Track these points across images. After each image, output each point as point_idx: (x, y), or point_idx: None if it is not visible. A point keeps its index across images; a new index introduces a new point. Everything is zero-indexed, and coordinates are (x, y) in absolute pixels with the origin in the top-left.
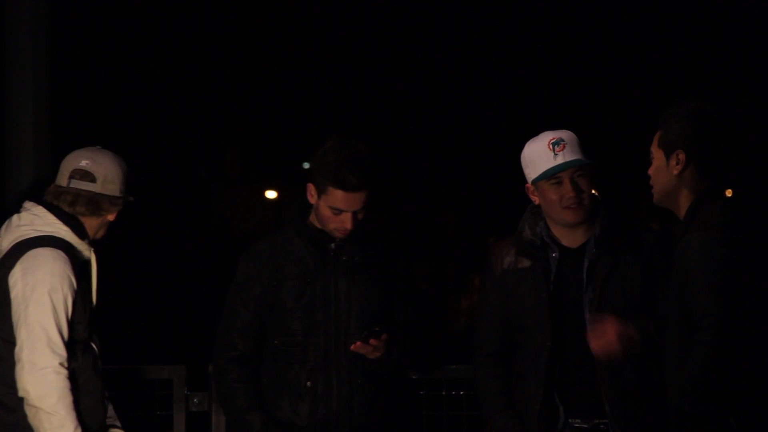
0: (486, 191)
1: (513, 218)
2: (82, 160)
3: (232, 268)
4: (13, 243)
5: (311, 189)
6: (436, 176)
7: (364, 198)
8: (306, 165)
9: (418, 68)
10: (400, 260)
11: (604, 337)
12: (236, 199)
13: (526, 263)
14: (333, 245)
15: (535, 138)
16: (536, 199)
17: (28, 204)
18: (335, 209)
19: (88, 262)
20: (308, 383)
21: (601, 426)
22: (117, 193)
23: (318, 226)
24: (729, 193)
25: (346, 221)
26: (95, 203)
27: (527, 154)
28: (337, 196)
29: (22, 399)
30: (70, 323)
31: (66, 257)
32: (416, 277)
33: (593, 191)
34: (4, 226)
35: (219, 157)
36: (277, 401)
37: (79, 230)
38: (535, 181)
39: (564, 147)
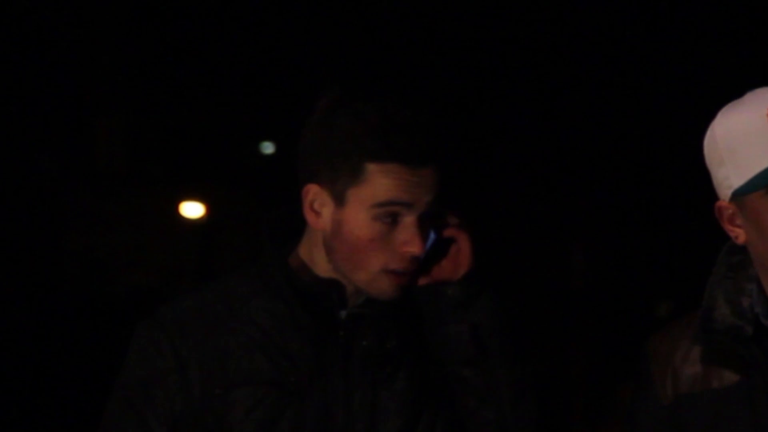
0: (641, 209)
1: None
2: None
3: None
4: None
5: (314, 193)
6: (554, 182)
7: (437, 181)
8: (268, 148)
9: None
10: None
11: None
12: (117, 216)
13: (728, 377)
14: (343, 314)
15: (737, 105)
16: (739, 233)
17: None
18: (389, 206)
19: None
20: None
21: None
22: None
23: (318, 272)
24: None
25: (412, 237)
26: None
27: (725, 136)
28: (393, 179)
29: None
30: None
31: None
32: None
33: None
34: None
35: (79, 134)
36: None
37: None
38: (739, 193)
39: None
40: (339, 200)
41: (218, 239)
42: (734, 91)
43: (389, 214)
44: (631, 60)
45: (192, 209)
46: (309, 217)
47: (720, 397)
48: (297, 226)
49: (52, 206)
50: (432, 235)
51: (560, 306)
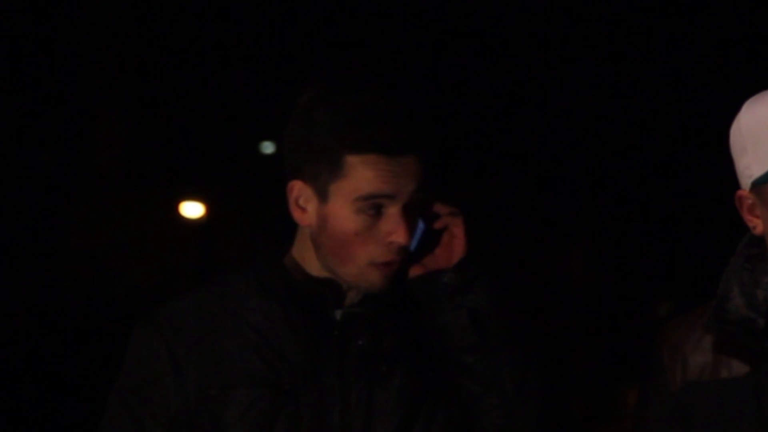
0: (641, 210)
1: (695, 269)
2: None
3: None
4: None
5: (298, 189)
6: (553, 183)
7: (419, 170)
8: (268, 147)
9: None
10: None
11: None
12: (117, 216)
13: (737, 368)
14: (338, 314)
15: (766, 95)
16: (757, 223)
17: None
18: (371, 199)
19: None
20: None
21: None
22: None
23: (310, 271)
24: None
25: (397, 227)
26: None
27: (750, 125)
28: (374, 170)
29: None
30: None
31: None
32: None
33: None
34: None
35: (79, 134)
36: None
37: None
38: (759, 183)
39: None
40: (322, 195)
41: (218, 239)
42: (735, 93)
43: (373, 207)
44: (632, 60)
45: (192, 209)
46: (295, 213)
47: (727, 388)
48: (293, 226)
49: (51, 206)
50: (421, 225)
51: (560, 306)
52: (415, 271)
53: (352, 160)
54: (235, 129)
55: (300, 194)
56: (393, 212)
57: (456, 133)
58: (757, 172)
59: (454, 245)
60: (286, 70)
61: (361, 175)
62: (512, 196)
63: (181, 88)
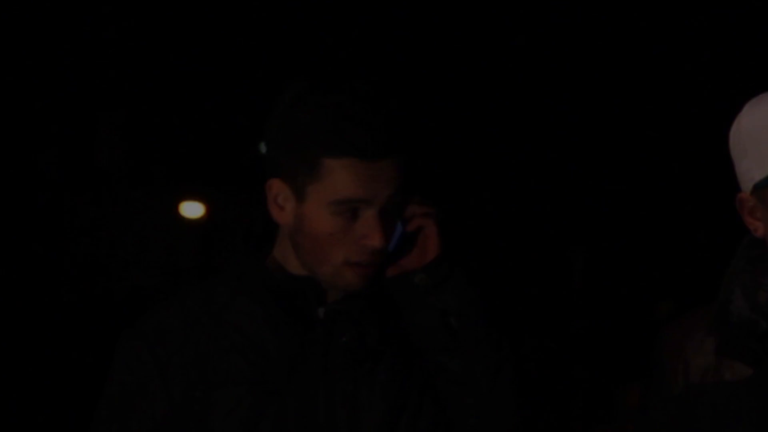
0: (641, 210)
1: (695, 269)
2: None
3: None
4: None
5: (277, 187)
6: (555, 184)
7: (397, 174)
8: (264, 148)
9: None
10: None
11: None
12: (117, 216)
13: (740, 370)
14: (321, 312)
15: (765, 98)
16: (758, 226)
17: None
18: (346, 203)
19: None
20: None
21: None
22: None
23: (292, 271)
24: None
25: (372, 231)
26: None
27: (750, 128)
28: (350, 173)
29: None
30: None
31: None
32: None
33: None
34: None
35: (80, 134)
36: None
37: None
38: (760, 186)
39: None
40: (299, 195)
41: (218, 239)
42: (735, 95)
43: (349, 210)
44: (631, 63)
45: (192, 209)
46: (273, 211)
47: (731, 390)
48: (277, 227)
49: (52, 206)
50: (399, 227)
51: (561, 306)
52: (391, 272)
53: (329, 163)
54: (234, 129)
55: (279, 192)
56: (369, 216)
57: (457, 136)
58: (758, 176)
59: (428, 245)
60: (286, 70)
61: (338, 178)
62: (514, 198)
63: (181, 88)
